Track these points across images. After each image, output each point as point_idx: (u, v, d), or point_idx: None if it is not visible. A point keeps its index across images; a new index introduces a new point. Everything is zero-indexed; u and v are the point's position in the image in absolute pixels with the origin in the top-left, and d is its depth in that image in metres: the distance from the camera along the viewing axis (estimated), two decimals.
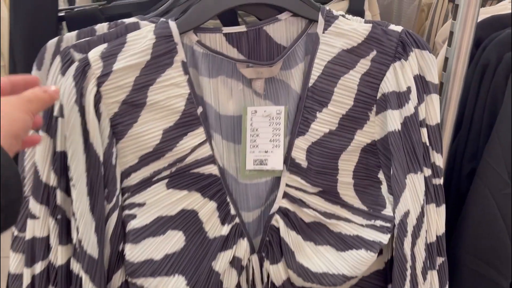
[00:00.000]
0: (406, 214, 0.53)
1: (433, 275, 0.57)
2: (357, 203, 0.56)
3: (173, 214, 0.52)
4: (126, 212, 0.52)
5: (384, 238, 0.54)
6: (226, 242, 0.55)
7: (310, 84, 0.53)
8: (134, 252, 0.51)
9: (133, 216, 0.51)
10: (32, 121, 0.37)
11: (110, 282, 0.52)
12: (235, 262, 0.55)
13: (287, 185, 0.55)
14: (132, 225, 0.51)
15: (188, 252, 0.53)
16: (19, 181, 0.31)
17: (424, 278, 0.56)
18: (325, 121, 0.53)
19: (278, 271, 0.56)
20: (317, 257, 0.56)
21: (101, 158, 0.49)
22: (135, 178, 0.52)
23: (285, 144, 0.54)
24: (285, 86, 0.54)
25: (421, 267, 0.56)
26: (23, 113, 0.35)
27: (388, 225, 0.54)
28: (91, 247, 0.49)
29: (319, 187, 0.55)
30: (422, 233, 0.55)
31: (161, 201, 0.52)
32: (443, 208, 0.57)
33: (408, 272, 0.54)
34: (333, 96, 0.53)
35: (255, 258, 0.57)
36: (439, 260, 0.58)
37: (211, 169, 0.53)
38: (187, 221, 0.53)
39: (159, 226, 0.52)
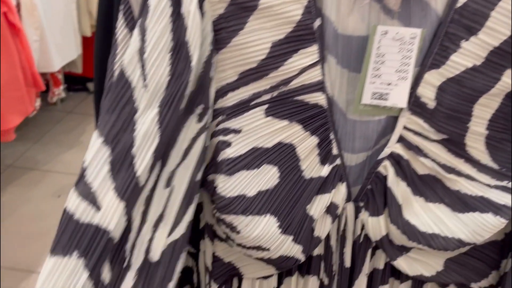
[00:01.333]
0: None
1: None
2: (485, 159, 0.47)
3: (269, 146, 0.45)
4: (220, 137, 0.45)
5: None
6: (324, 185, 0.47)
7: (459, 4, 0.42)
8: (227, 185, 0.44)
9: (228, 144, 0.44)
10: None
11: (179, 225, 0.43)
12: (331, 209, 0.48)
13: (405, 128, 0.46)
14: (227, 153, 0.44)
15: (282, 191, 0.46)
16: None
17: None
18: (469, 53, 0.43)
19: (377, 225, 0.49)
20: (427, 215, 0.48)
21: (193, 63, 0.41)
22: (232, 99, 0.44)
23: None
24: (421, 4, 0.43)
25: None
26: None
27: None
28: (141, 169, 0.40)
29: (444, 134, 0.46)
30: None
31: (258, 129, 0.45)
32: None
33: None
34: (487, 22, 0.42)
35: (350, 207, 0.50)
36: None
37: (318, 98, 0.45)
38: (283, 155, 0.46)
39: (254, 158, 0.45)
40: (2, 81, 1.65)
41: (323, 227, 0.49)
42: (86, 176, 0.39)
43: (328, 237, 0.51)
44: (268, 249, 0.46)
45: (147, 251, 0.42)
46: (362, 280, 0.52)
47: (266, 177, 0.45)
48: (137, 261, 0.41)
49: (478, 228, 0.46)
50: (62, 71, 2.32)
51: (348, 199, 0.49)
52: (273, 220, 0.46)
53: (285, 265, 0.49)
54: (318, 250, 0.51)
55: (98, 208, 0.38)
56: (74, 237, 0.38)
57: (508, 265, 0.50)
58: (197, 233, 0.55)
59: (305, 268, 0.52)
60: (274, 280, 0.53)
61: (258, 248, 0.46)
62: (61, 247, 0.37)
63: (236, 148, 0.44)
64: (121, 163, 0.39)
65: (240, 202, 0.44)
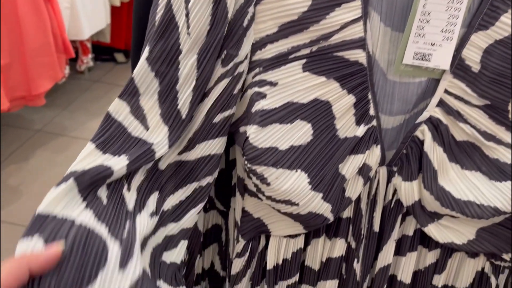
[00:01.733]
0: None
1: None
2: None
3: (304, 101, 0.45)
4: (256, 89, 0.45)
5: None
6: (358, 145, 0.47)
7: None
8: (259, 136, 0.44)
9: (263, 95, 0.45)
10: None
11: (190, 151, 0.46)
12: (363, 170, 0.48)
13: (446, 91, 0.45)
14: (261, 105, 0.44)
15: (314, 148, 0.46)
16: None
17: None
18: None
19: (411, 190, 0.49)
20: (462, 183, 0.47)
21: (229, 14, 0.41)
22: (270, 51, 0.44)
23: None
24: None
25: None
26: None
27: None
28: (182, 103, 0.44)
29: (487, 100, 0.45)
30: None
31: (294, 84, 0.45)
32: None
33: None
34: None
35: (383, 171, 0.49)
36: None
37: (359, 55, 0.44)
38: (318, 113, 0.45)
39: (288, 113, 0.45)
40: (34, 46, 1.68)
41: (355, 188, 0.49)
42: (140, 100, 0.44)
43: (358, 200, 0.51)
44: (297, 204, 0.46)
45: (158, 159, 0.46)
46: (390, 245, 0.52)
47: (299, 133, 0.45)
48: (148, 165, 0.45)
49: None
50: (90, 40, 2.35)
51: (382, 163, 0.49)
52: (304, 176, 0.46)
53: (313, 223, 0.49)
54: (347, 213, 0.52)
55: (146, 127, 0.44)
56: (125, 145, 0.43)
57: None
58: (228, 191, 0.56)
59: (333, 230, 0.53)
60: (301, 240, 0.53)
61: (287, 202, 0.46)
62: (112, 150, 0.43)
63: (271, 101, 0.44)
64: (167, 95, 0.44)
65: (272, 154, 0.45)
